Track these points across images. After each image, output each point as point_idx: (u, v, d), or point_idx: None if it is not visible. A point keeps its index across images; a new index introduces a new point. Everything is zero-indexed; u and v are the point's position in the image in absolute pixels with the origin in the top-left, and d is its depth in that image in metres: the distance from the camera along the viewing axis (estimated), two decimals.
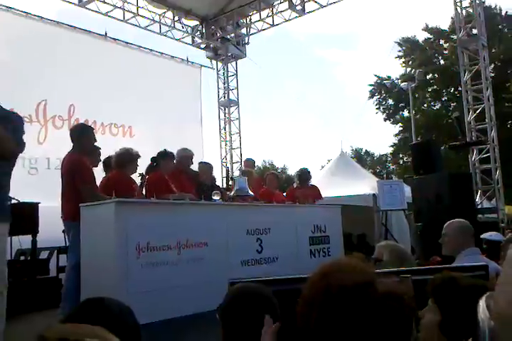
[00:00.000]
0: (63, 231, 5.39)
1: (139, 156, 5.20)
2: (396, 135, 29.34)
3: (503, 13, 26.01)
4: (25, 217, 5.41)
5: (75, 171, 4.67)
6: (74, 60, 8.81)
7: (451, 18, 21.79)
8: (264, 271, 5.40)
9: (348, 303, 0.93)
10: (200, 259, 4.84)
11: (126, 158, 5.09)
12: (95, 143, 5.12)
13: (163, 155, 5.72)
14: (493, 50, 22.41)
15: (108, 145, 6.23)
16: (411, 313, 0.98)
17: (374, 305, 0.92)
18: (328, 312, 0.95)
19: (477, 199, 8.65)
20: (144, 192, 5.45)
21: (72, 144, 4.87)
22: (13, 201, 5.91)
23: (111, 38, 9.92)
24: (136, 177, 5.35)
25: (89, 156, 4.97)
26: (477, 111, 9.15)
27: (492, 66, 21.91)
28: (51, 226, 5.61)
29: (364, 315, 0.92)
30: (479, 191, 8.93)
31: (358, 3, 62.35)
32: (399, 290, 0.95)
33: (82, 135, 4.87)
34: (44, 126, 8.20)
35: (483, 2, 11.40)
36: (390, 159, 33.77)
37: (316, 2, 10.81)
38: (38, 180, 7.53)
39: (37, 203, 5.79)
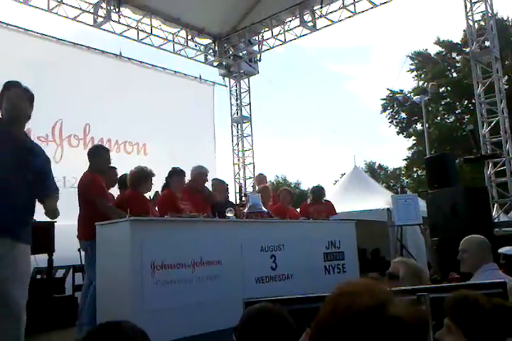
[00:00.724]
0: (79, 250, 5.44)
1: (153, 174, 5.25)
2: (409, 148, 29.21)
3: None
4: (42, 236, 5.45)
5: (89, 187, 4.81)
6: (89, 80, 8.98)
7: (463, 30, 21.81)
8: (279, 288, 5.36)
9: (355, 327, 0.91)
10: (215, 277, 4.82)
11: (140, 177, 5.15)
12: (110, 164, 5.23)
13: (172, 173, 5.76)
14: (507, 62, 22.32)
15: (123, 163, 6.30)
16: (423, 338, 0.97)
17: (383, 330, 0.90)
18: (335, 335, 0.94)
19: (493, 213, 8.55)
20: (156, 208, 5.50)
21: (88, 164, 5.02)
22: None
23: (125, 57, 10.10)
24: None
25: (104, 176, 5.06)
26: (491, 124, 9.09)
27: (506, 78, 21.79)
28: (67, 245, 5.66)
29: (371, 339, 0.91)
30: (496, 204, 8.83)
31: (370, 18, 62.72)
32: (411, 315, 0.93)
33: (96, 155, 5.05)
34: (60, 145, 8.33)
35: (496, 14, 11.43)
36: (403, 173, 33.54)
37: (327, 18, 10.91)
38: None
39: (53, 222, 5.84)
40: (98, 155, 5.06)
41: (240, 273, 5.14)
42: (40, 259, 5.88)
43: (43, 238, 5.52)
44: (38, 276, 6.25)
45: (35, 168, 2.89)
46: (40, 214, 5.42)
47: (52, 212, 3.07)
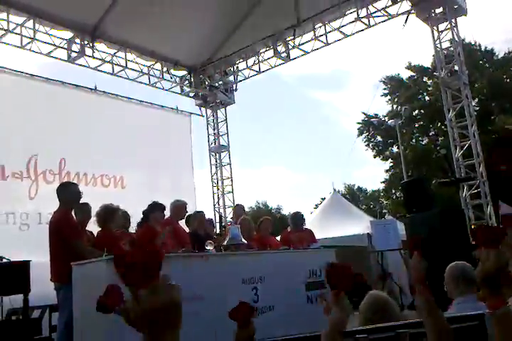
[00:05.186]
0: (55, 289, 5.32)
1: (117, 209, 5.24)
2: (387, 171, 29.57)
3: (483, 49, 26.96)
4: (16, 276, 5.34)
5: (62, 228, 4.72)
6: (64, 114, 8.95)
7: (433, 56, 22.49)
8: (262, 320, 5.21)
9: None
10: (196, 313, 4.73)
11: (105, 215, 5.15)
12: (82, 199, 5.17)
13: (155, 208, 5.75)
14: (476, 85, 22.99)
15: (100, 197, 6.24)
16: None
17: None
18: None
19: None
20: None
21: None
22: (4, 260, 5.86)
23: (100, 91, 10.11)
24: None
25: (76, 213, 5.01)
26: (464, 148, 9.28)
27: (476, 100, 22.43)
28: (43, 283, 5.51)
29: None
30: (473, 226, 8.93)
31: (343, 46, 64.30)
32: None
33: (64, 191, 4.97)
34: (35, 181, 8.21)
35: (463, 40, 11.82)
36: (382, 195, 33.86)
37: (300, 49, 11.15)
38: (29, 236, 7.46)
39: (28, 261, 5.71)
40: (66, 190, 4.99)
41: (222, 308, 5.03)
42: (16, 299, 5.72)
43: (18, 278, 5.39)
44: (14, 317, 6.06)
45: None
46: (15, 251, 5.32)
47: None
